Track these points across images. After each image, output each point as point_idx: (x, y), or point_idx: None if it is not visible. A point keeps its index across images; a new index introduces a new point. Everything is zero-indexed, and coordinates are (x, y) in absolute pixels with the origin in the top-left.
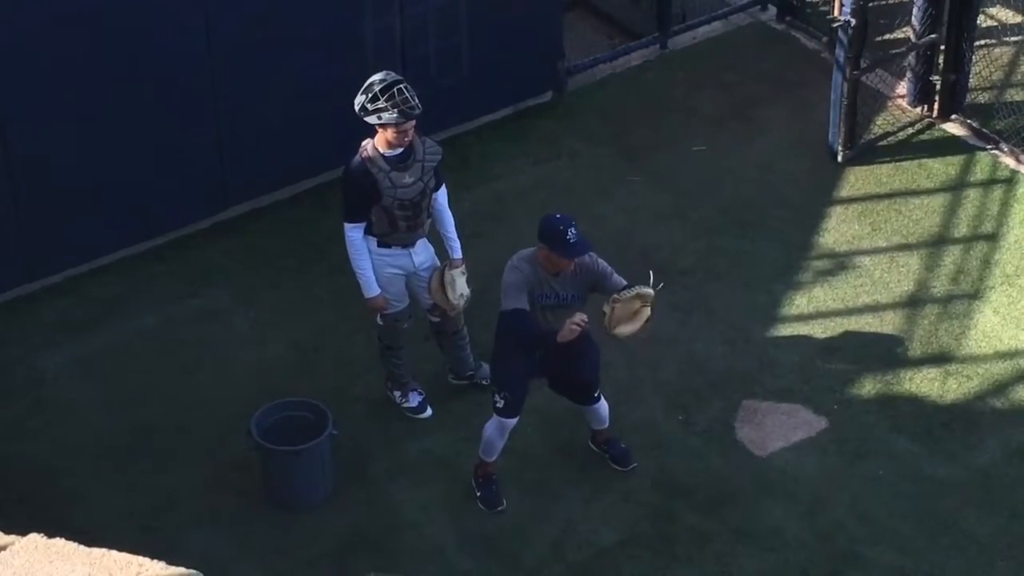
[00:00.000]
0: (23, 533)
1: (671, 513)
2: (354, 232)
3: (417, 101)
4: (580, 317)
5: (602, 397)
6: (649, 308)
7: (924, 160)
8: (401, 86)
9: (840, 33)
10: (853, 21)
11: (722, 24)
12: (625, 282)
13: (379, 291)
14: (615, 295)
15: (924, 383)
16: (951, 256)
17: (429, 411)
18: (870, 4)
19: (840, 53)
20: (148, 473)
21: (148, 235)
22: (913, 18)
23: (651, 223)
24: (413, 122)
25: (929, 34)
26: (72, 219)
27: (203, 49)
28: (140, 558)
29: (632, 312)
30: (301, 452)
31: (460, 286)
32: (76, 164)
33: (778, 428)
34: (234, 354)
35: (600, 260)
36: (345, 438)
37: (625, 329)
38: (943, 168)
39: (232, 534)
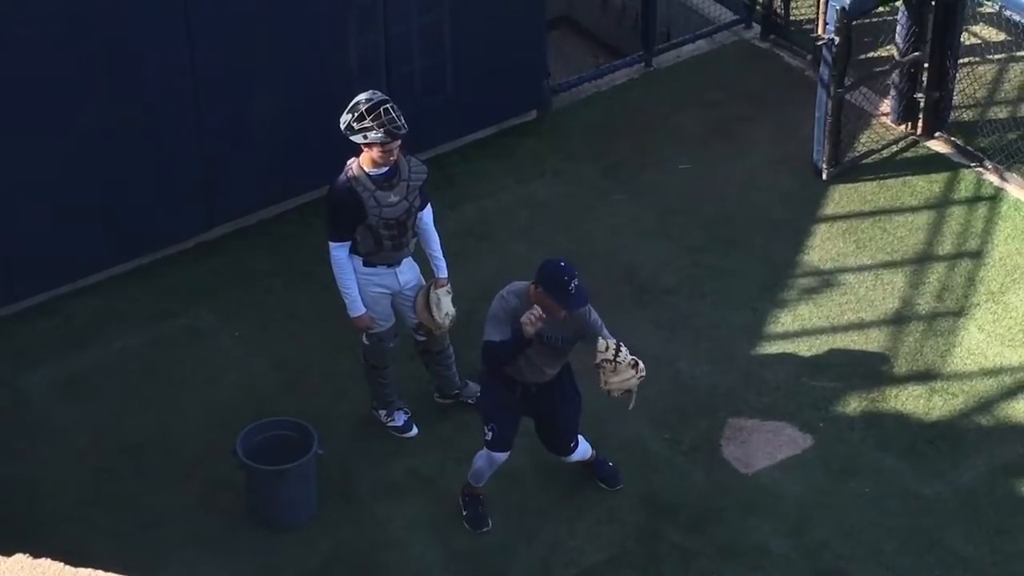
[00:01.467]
0: (9, 554)
1: (657, 531)
2: (339, 251)
3: (403, 121)
4: (537, 312)
5: (580, 442)
6: (637, 379)
7: (908, 177)
8: (387, 106)
9: (824, 51)
10: (837, 39)
11: (706, 42)
12: (613, 340)
13: (364, 310)
14: (608, 358)
15: (909, 400)
16: (936, 273)
17: (415, 430)
18: (854, 22)
19: (824, 71)
20: (133, 493)
21: (133, 255)
22: (897, 36)
23: (636, 241)
24: (399, 142)
25: (913, 52)
26: (56, 239)
27: (187, 66)
28: None
29: (623, 378)
30: (286, 471)
31: (445, 305)
32: (59, 182)
33: (763, 446)
34: (219, 373)
35: (594, 312)
36: (330, 457)
37: (615, 386)
38: (927, 185)
39: (217, 553)
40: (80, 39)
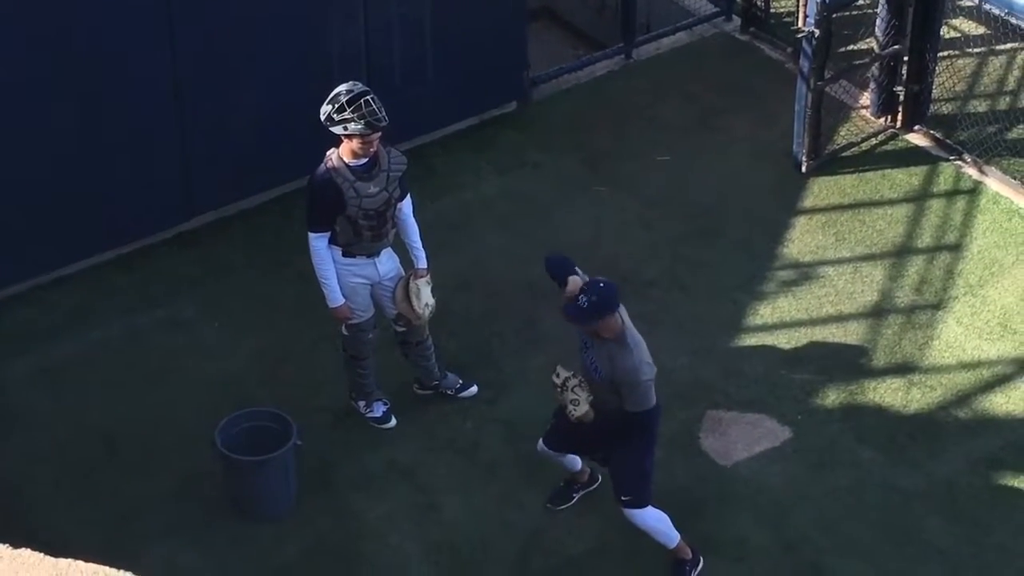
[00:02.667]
0: None
1: None
2: (318, 241)
3: (384, 113)
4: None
5: (640, 510)
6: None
7: (887, 170)
8: (368, 97)
9: (804, 43)
10: (817, 32)
11: (686, 35)
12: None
13: (343, 300)
14: (556, 383)
15: (888, 393)
16: (914, 266)
17: (393, 421)
18: (834, 15)
19: (804, 64)
20: (112, 484)
21: (112, 244)
22: (876, 29)
23: (616, 233)
24: (379, 133)
25: (892, 45)
26: (34, 228)
27: (167, 57)
28: (105, 568)
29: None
30: (265, 462)
31: (425, 295)
32: (38, 172)
33: (742, 438)
34: (199, 364)
35: (630, 360)
36: (309, 448)
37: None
38: (906, 178)
39: (195, 544)
40: (61, 31)
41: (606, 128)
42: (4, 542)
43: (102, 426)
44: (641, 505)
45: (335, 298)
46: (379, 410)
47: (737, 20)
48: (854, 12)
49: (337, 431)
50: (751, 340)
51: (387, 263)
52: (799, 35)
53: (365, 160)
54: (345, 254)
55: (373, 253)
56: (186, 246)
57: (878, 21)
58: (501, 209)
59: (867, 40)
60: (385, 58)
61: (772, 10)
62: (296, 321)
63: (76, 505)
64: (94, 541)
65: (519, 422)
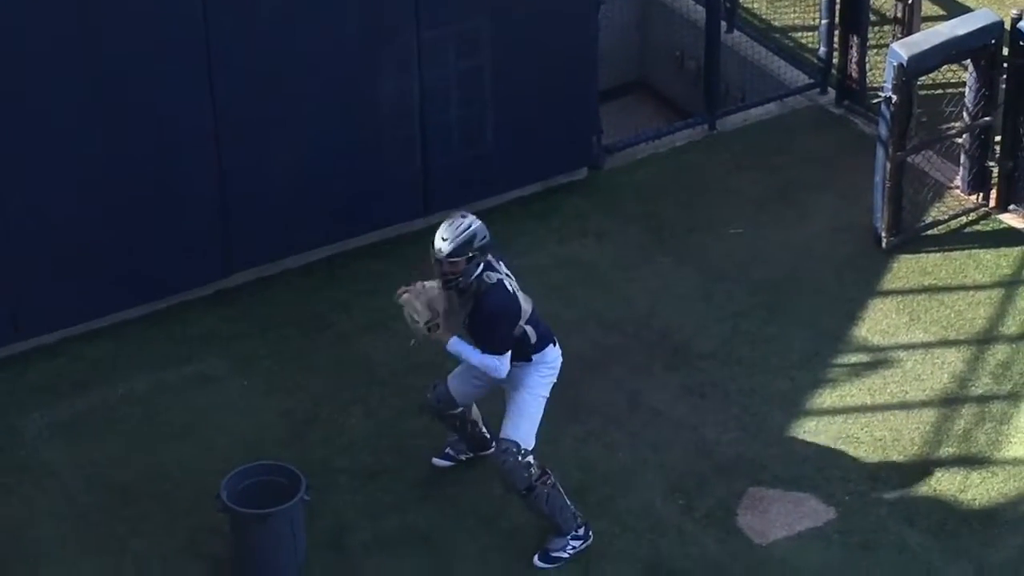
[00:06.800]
0: None
1: None
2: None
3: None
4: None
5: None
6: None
7: (975, 251)
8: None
9: (883, 108)
10: (895, 97)
11: (777, 106)
12: None
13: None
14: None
15: (945, 478)
16: (993, 353)
17: (443, 463)
18: (916, 82)
19: (882, 130)
20: (119, 537)
21: (146, 299)
22: (966, 99)
23: (675, 304)
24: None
25: (983, 117)
26: (65, 279)
27: (208, 108)
28: None
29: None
30: (269, 516)
31: (420, 310)
32: (74, 223)
33: (783, 517)
34: (223, 421)
35: None
36: (324, 508)
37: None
38: (995, 260)
39: None
40: (99, 78)
41: (679, 199)
42: None
43: (117, 480)
44: None
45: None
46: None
47: (832, 93)
48: (951, 81)
49: (356, 494)
50: (805, 419)
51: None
52: (874, 100)
53: None
54: None
55: None
56: (224, 303)
57: (967, 90)
58: (556, 277)
59: (956, 111)
60: (441, 115)
61: (869, 83)
62: (329, 383)
63: (79, 557)
64: None
65: None
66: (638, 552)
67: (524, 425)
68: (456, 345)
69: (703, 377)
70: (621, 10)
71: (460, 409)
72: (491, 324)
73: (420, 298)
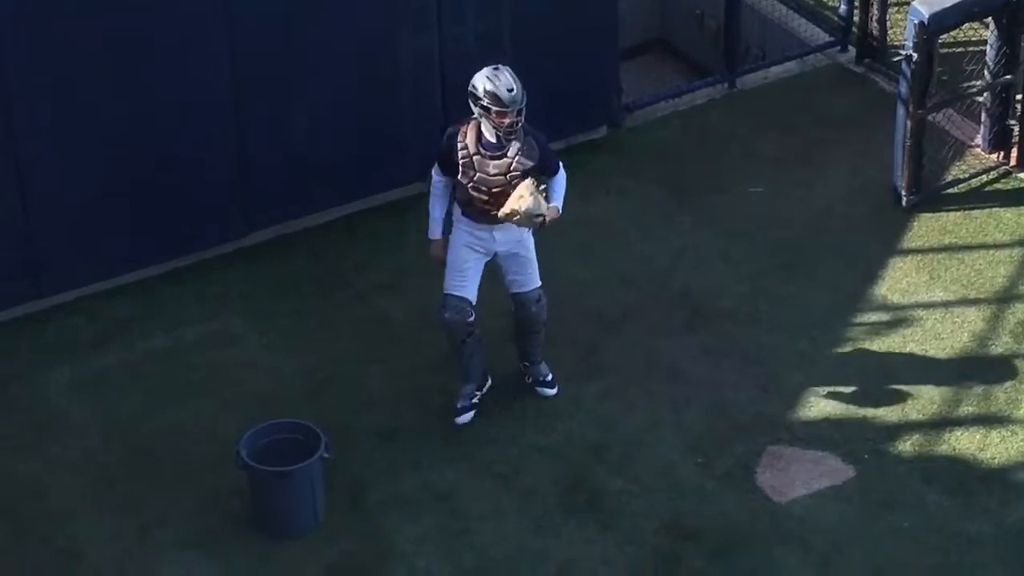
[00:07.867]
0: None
1: (677, 557)
2: (435, 175)
3: (514, 95)
4: None
5: None
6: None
7: (995, 209)
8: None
9: (904, 67)
10: (915, 55)
11: (797, 64)
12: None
13: (440, 237)
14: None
15: (965, 437)
16: (1013, 312)
17: (466, 417)
18: (937, 40)
19: (903, 89)
20: (138, 494)
21: (165, 257)
22: (987, 57)
23: (695, 264)
24: (509, 115)
25: (1004, 75)
26: (84, 238)
27: (227, 67)
28: None
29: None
30: (289, 474)
31: (529, 203)
32: (89, 181)
33: (802, 475)
34: (242, 379)
35: None
36: (343, 467)
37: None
38: (1015, 218)
39: (216, 559)
40: (121, 36)
41: (698, 158)
42: (23, 547)
43: (136, 437)
44: None
45: (432, 230)
46: (462, 401)
47: (852, 51)
48: (971, 39)
49: (376, 452)
50: (824, 377)
51: (507, 234)
52: (895, 58)
53: (494, 141)
54: (464, 213)
55: (488, 223)
56: (243, 262)
57: (988, 48)
58: (577, 236)
59: (977, 69)
60: (462, 74)
61: (889, 40)
62: (349, 343)
63: (98, 514)
64: (113, 551)
65: (565, 449)
66: (657, 510)
67: (537, 271)
68: (560, 200)
69: (722, 336)
70: None
71: (473, 315)
72: (549, 148)
73: (529, 195)
